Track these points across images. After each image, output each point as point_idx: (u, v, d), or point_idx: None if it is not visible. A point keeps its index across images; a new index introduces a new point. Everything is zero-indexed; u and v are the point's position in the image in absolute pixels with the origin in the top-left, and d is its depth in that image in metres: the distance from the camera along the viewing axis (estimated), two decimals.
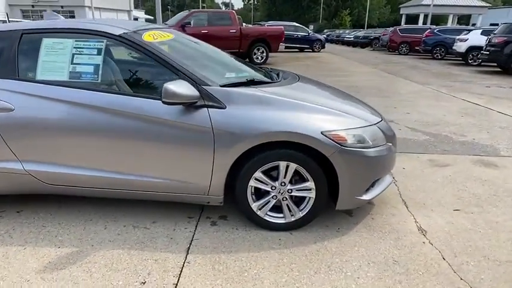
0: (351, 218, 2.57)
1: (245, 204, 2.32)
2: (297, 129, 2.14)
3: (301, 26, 18.90)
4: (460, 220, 2.55)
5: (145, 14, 54.60)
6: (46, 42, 2.30)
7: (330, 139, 2.15)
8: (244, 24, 18.54)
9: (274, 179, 2.27)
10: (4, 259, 2.06)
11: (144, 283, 1.90)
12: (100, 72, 2.25)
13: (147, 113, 2.15)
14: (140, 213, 2.56)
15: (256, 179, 2.25)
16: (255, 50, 11.75)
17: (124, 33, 2.28)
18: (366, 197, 2.35)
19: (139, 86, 2.47)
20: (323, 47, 19.14)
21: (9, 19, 16.12)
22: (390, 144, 2.48)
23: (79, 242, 2.24)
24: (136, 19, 36.15)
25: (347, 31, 31.40)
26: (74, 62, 2.26)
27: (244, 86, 2.37)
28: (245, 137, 2.14)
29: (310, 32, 18.85)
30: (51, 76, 2.26)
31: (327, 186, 2.25)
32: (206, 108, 2.16)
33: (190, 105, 2.14)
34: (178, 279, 1.93)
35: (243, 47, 11.43)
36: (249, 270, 2.01)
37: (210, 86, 2.20)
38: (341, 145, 2.17)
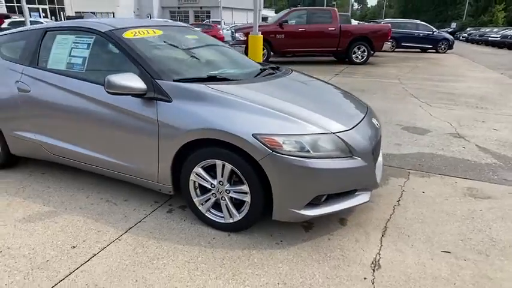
0: (306, 232, 2.34)
1: (188, 197, 2.37)
2: (227, 129, 2.07)
3: (424, 23, 16.86)
4: (438, 265, 2.05)
5: (275, 12, 56.83)
6: (58, 38, 2.78)
7: (261, 143, 2.02)
8: (357, 21, 17.68)
9: (214, 177, 2.26)
10: (5, 206, 2.63)
11: (74, 247, 2.17)
12: (86, 63, 2.61)
13: (108, 100, 2.41)
14: (121, 191, 2.85)
15: (197, 174, 2.27)
16: (355, 49, 11.12)
17: (109, 30, 2.57)
18: (307, 212, 2.12)
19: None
20: (450, 47, 16.70)
21: (151, 17, 18.94)
22: (358, 158, 2.17)
23: (59, 204, 2.66)
24: (265, 18, 37.73)
25: (495, 29, 26.55)
26: (71, 54, 2.68)
27: (203, 81, 2.39)
28: (183, 131, 2.19)
29: (434, 30, 16.65)
30: (56, 66, 2.73)
31: (261, 192, 2.12)
32: (155, 101, 2.29)
33: (140, 96, 2.30)
34: (100, 251, 2.13)
35: (341, 46, 10.97)
36: (160, 259, 2.07)
37: (162, 80, 2.31)
38: (274, 150, 2.01)
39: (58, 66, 2.72)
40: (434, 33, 16.55)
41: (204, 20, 31.98)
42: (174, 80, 2.33)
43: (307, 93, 2.65)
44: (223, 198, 2.26)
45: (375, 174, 2.33)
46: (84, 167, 2.77)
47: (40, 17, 26.69)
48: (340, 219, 2.51)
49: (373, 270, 2.00)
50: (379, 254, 2.14)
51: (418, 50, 17.04)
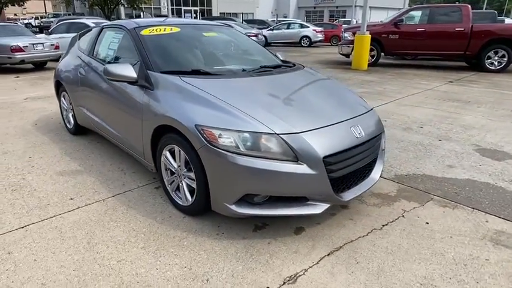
0: (253, 232, 2.31)
1: (160, 177, 2.63)
2: (177, 117, 2.23)
3: None
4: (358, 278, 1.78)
5: None
6: (106, 33, 3.41)
7: (200, 133, 2.11)
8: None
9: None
10: (56, 161, 3.41)
11: (71, 199, 2.71)
12: (115, 53, 3.13)
13: (117, 83, 2.85)
14: (135, 165, 3.31)
15: (165, 157, 2.51)
16: (491, 53, 9.29)
17: (133, 28, 3.02)
18: (238, 209, 2.11)
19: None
20: None
21: (278, 19, 19.70)
22: (304, 164, 2.04)
23: (88, 167, 3.29)
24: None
25: None
26: (109, 46, 3.25)
27: (187, 74, 2.58)
28: (155, 116, 2.45)
29: None
30: (99, 54, 3.37)
31: (204, 181, 2.20)
32: (144, 88, 2.61)
33: (133, 84, 2.66)
34: (84, 206, 2.60)
35: (471, 49, 9.30)
36: (117, 222, 2.39)
37: (152, 71, 2.61)
38: (209, 142, 2.07)
39: (100, 55, 3.36)
40: None
41: (335, 20, 31.42)
42: (162, 72, 2.60)
43: (289, 92, 2.54)
44: (181, 182, 2.44)
45: (329, 186, 2.12)
46: (111, 140, 3.34)
47: (191, 17, 30.87)
48: (297, 227, 2.37)
49: (283, 284, 1.87)
50: (306, 271, 1.97)
51: None
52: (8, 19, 44.57)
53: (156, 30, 3.01)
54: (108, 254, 2.07)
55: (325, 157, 2.08)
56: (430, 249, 2.16)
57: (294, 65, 3.29)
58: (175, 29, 3.13)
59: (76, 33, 4.27)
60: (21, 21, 37.24)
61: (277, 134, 2.06)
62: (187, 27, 3.29)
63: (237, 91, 2.40)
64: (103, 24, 3.58)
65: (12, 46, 8.82)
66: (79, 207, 2.59)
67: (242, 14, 35.48)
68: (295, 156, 2.05)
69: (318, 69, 10.26)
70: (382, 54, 10.54)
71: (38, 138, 4.07)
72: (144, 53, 2.74)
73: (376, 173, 2.54)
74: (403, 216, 2.53)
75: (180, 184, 2.45)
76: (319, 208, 2.17)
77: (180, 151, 2.33)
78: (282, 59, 3.59)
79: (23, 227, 2.32)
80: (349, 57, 11.25)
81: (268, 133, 2.06)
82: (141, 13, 28.76)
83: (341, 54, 11.54)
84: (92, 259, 2.03)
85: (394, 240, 2.25)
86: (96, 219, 2.45)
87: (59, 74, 4.05)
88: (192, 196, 2.38)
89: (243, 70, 2.84)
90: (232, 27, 3.76)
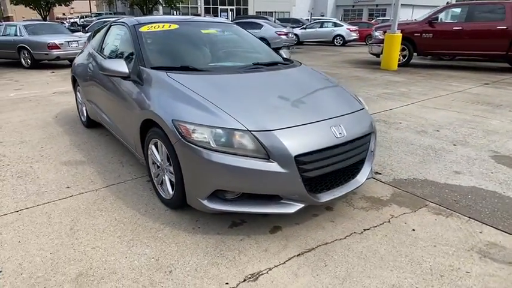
0: (229, 228, 2.32)
1: (148, 170, 2.70)
2: (158, 112, 2.28)
3: None
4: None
5: None
6: (112, 30, 3.54)
7: (176, 128, 2.14)
8: None
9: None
10: (65, 152, 3.60)
11: (68, 187, 2.85)
12: (117, 48, 3.25)
13: (117, 79, 2.96)
14: (135, 158, 3.42)
15: (151, 151, 2.57)
16: None
17: (133, 24, 3.11)
18: (209, 204, 2.12)
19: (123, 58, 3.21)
20: None
21: (312, 17, 19.41)
22: (274, 162, 2.02)
23: (92, 158, 3.45)
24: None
25: None
26: (113, 41, 3.38)
27: (176, 70, 2.63)
28: (141, 110, 2.52)
29: None
30: (104, 50, 3.50)
31: (180, 176, 2.24)
32: (136, 83, 2.70)
33: (126, 79, 2.75)
34: (77, 195, 2.73)
35: None
36: (102, 211, 2.49)
37: (144, 67, 2.69)
38: (183, 137, 2.11)
39: (105, 51, 3.50)
40: None
41: (374, 19, 30.43)
42: (152, 68, 2.67)
43: (273, 89, 2.51)
44: (164, 176, 2.49)
45: (301, 186, 2.07)
46: (112, 133, 3.47)
47: (227, 17, 31.24)
48: (274, 226, 2.34)
49: (243, 281, 1.86)
50: (270, 270, 1.94)
51: None
52: (57, 18, 47.62)
53: (154, 27, 3.10)
54: (86, 241, 2.17)
55: (297, 156, 2.04)
56: (408, 257, 2.06)
57: (292, 62, 3.25)
58: (174, 26, 3.20)
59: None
60: (67, 20, 39.60)
61: (250, 131, 2.05)
62: (186, 24, 3.34)
63: (219, 87, 2.41)
64: (111, 21, 3.73)
65: (48, 43, 9.43)
66: (72, 196, 2.73)
67: (278, 12, 35.41)
68: (267, 153, 2.03)
69: (336, 68, 10.03)
70: (415, 54, 10.09)
71: (55, 130, 4.32)
72: (138, 48, 2.83)
73: (362, 176, 2.46)
74: (389, 221, 2.42)
75: (163, 178, 2.50)
76: (292, 207, 2.14)
77: (162, 145, 2.39)
78: (285, 57, 3.54)
79: (17, 211, 2.48)
80: (379, 57, 10.88)
81: (241, 130, 2.05)
82: (154, 12, 29.39)
83: (371, 53, 11.19)
84: (70, 244, 2.13)
85: (372, 245, 2.16)
86: (84, 207, 2.56)
87: (74, 69, 4.28)
88: (173, 190, 2.43)
89: (233, 67, 2.85)
90: (230, 24, 3.76)
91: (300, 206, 2.15)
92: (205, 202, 2.14)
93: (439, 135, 4.22)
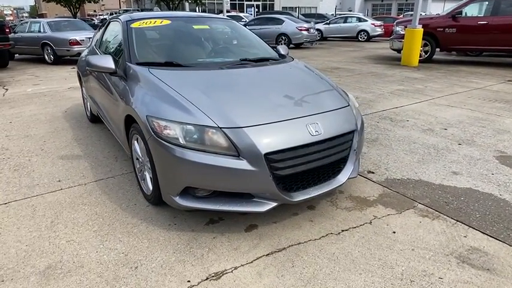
0: (205, 225, 2.31)
1: (133, 165, 2.73)
2: (135, 107, 2.30)
3: None
4: None
5: None
6: (110, 26, 3.60)
7: (149, 124, 2.15)
8: None
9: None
10: (65, 146, 3.71)
11: (59, 181, 2.94)
12: (111, 43, 3.30)
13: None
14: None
15: (134, 146, 2.60)
16: None
17: (126, 21, 3.14)
18: (180, 202, 2.12)
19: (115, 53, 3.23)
20: None
21: (337, 13, 18.98)
22: (244, 160, 1.99)
23: (89, 152, 3.54)
24: None
25: None
26: (108, 37, 3.43)
27: (159, 66, 2.64)
28: (125, 105, 2.55)
29: None
30: (101, 45, 3.56)
31: (154, 172, 2.25)
32: (122, 78, 2.73)
33: (113, 74, 2.78)
34: (66, 188, 2.80)
35: None
36: (86, 205, 2.55)
37: (130, 62, 2.71)
38: (155, 133, 2.11)
39: (103, 47, 3.56)
40: None
41: (403, 14, 29.41)
42: (137, 63, 2.69)
43: (253, 86, 2.46)
44: (145, 172, 2.51)
45: (272, 184, 2.03)
46: (108, 128, 3.55)
47: (253, 13, 31.21)
48: (251, 224, 2.32)
49: (206, 279, 1.85)
50: (235, 269, 1.92)
51: None
52: (88, 15, 49.25)
53: (145, 23, 3.12)
54: (63, 234, 2.22)
55: (267, 154, 2.00)
56: (382, 260, 1.98)
57: (284, 57, 3.18)
58: (166, 22, 3.21)
59: None
60: (97, 16, 40.87)
61: (220, 128, 2.03)
62: (179, 19, 3.35)
63: (197, 83, 2.39)
64: (110, 18, 3.79)
65: (70, 40, 9.76)
66: (61, 189, 2.81)
67: (305, 8, 34.87)
68: (237, 151, 2.00)
69: (355, 63, 9.76)
70: (438, 50, 9.68)
71: (61, 125, 4.47)
72: (127, 44, 2.86)
73: (343, 175, 2.38)
74: (370, 222, 2.34)
75: (145, 173, 2.52)
76: (264, 206, 2.10)
77: (140, 141, 2.41)
78: (282, 53, 3.48)
79: (5, 203, 2.59)
80: (400, 52, 10.52)
81: (211, 126, 2.04)
82: (155, 7, 29.55)
83: (392, 49, 10.84)
84: (47, 237, 2.19)
85: (346, 247, 2.09)
86: (70, 201, 2.63)
87: (79, 65, 4.39)
88: (152, 186, 2.45)
89: (219, 63, 2.83)
90: (230, 20, 3.73)
91: (273, 204, 2.11)
92: (177, 199, 2.14)
93: (445, 134, 4.03)
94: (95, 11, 60.75)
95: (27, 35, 10.84)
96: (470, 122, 4.49)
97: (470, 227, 2.27)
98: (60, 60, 10.40)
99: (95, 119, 4.36)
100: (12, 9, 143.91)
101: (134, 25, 3.08)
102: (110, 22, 3.74)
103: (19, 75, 8.65)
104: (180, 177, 2.07)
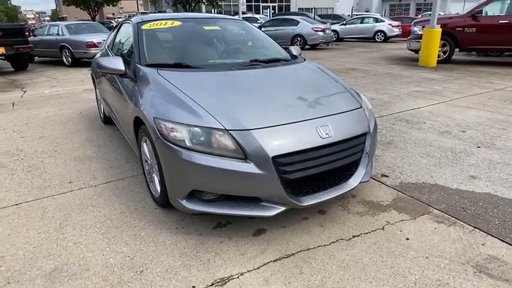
0: (212, 229, 2.27)
1: (142, 166, 2.72)
2: (143, 109, 2.28)
3: None
4: None
5: None
6: (122, 28, 3.61)
7: (156, 126, 2.13)
8: None
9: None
10: (78, 147, 3.75)
11: (70, 182, 2.96)
12: (124, 45, 3.31)
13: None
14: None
15: (143, 148, 2.59)
16: None
17: (137, 22, 3.15)
18: (187, 205, 2.09)
19: (127, 55, 3.22)
20: None
21: (353, 13, 18.71)
22: (251, 163, 1.95)
23: (101, 153, 3.56)
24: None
25: None
26: (121, 39, 3.45)
27: (168, 68, 2.62)
28: (134, 107, 2.54)
29: None
30: (114, 47, 3.58)
31: (162, 174, 2.22)
32: (132, 80, 2.72)
33: (123, 76, 2.78)
34: (77, 190, 2.82)
35: None
36: (94, 207, 2.55)
37: (140, 64, 2.70)
38: (162, 136, 2.09)
39: (115, 49, 3.58)
40: None
41: (419, 14, 28.80)
42: (146, 65, 2.68)
43: (262, 87, 2.41)
44: (154, 174, 2.50)
45: (280, 188, 1.98)
46: (120, 129, 3.56)
47: (269, 14, 31.12)
48: (259, 229, 2.26)
49: (211, 285, 1.81)
50: (242, 275, 1.87)
51: None
52: (107, 18, 50.32)
53: (156, 24, 3.11)
54: (71, 236, 2.22)
55: (275, 157, 1.95)
56: (394, 268, 1.89)
57: (296, 58, 3.12)
58: (176, 23, 3.20)
59: None
60: (115, 19, 41.68)
61: (227, 130, 1.99)
62: (189, 21, 3.33)
63: (206, 85, 2.36)
64: (123, 20, 3.82)
65: (87, 42, 9.94)
66: (72, 191, 2.82)
67: (321, 8, 34.52)
68: (244, 154, 1.96)
69: (371, 64, 9.59)
70: (457, 50, 9.41)
71: (75, 126, 4.52)
72: (137, 46, 2.86)
73: (355, 179, 2.30)
74: (382, 228, 2.25)
75: (153, 175, 2.51)
76: (272, 210, 2.05)
77: (149, 143, 2.39)
78: (294, 53, 3.42)
79: (17, 204, 2.61)
80: (418, 53, 10.28)
81: (218, 128, 2.00)
82: (168, 9, 29.67)
83: (410, 50, 10.60)
84: (55, 239, 2.19)
85: (357, 253, 2.02)
86: (79, 202, 2.64)
87: (92, 67, 4.44)
88: (160, 188, 2.43)
89: (228, 64, 2.79)
90: (241, 21, 3.69)
91: (281, 209, 2.06)
92: (183, 202, 2.11)
93: (464, 137, 3.89)
94: (113, 13, 61.96)
95: (46, 37, 11.11)
96: (490, 124, 4.32)
97: (488, 234, 2.16)
98: (77, 62, 10.61)
99: (107, 120, 4.40)
100: (34, 13, 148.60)
101: (145, 27, 3.08)
102: (122, 24, 3.76)
103: (37, 78, 8.86)
104: (187, 180, 2.04)
